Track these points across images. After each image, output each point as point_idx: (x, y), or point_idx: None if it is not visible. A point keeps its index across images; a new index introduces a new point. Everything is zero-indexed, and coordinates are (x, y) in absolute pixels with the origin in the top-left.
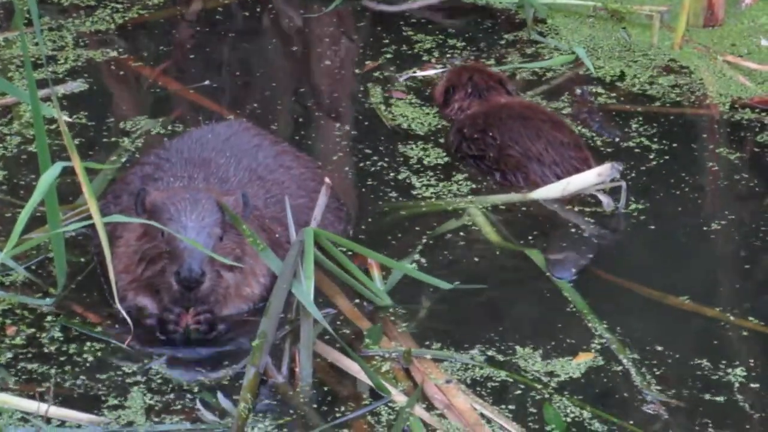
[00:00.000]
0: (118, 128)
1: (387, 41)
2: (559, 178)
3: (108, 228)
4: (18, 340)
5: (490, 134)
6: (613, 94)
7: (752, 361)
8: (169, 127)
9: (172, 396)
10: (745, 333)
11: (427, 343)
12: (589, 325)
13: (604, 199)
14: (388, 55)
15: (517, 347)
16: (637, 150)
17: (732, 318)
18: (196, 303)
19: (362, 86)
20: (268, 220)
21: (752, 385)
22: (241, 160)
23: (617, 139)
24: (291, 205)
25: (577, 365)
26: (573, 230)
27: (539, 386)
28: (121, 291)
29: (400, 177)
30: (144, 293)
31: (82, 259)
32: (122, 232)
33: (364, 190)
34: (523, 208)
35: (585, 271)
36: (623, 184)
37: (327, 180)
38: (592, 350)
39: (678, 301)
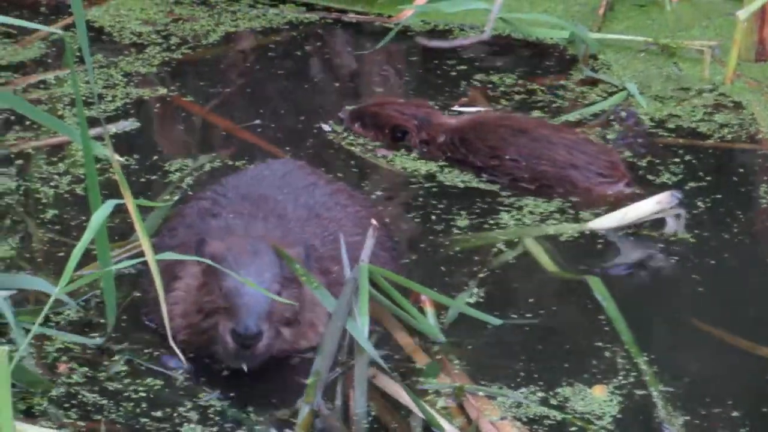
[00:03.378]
0: (169, 166)
1: (441, 78)
2: (599, 174)
3: (164, 263)
4: (70, 377)
5: (508, 158)
6: (663, 129)
7: None
8: (220, 165)
9: None
10: None
11: (483, 377)
12: (646, 360)
13: (669, 221)
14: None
15: (573, 383)
16: (688, 186)
17: None
18: (252, 359)
19: None
20: (326, 261)
21: None
22: (298, 197)
23: (660, 167)
24: (347, 243)
25: (604, 401)
26: (630, 259)
27: (595, 427)
28: (174, 332)
29: (453, 211)
30: (197, 341)
31: (136, 294)
32: (181, 272)
33: (418, 225)
34: (581, 238)
35: (643, 304)
36: (681, 212)
37: (374, 221)
38: (606, 385)
39: (735, 339)
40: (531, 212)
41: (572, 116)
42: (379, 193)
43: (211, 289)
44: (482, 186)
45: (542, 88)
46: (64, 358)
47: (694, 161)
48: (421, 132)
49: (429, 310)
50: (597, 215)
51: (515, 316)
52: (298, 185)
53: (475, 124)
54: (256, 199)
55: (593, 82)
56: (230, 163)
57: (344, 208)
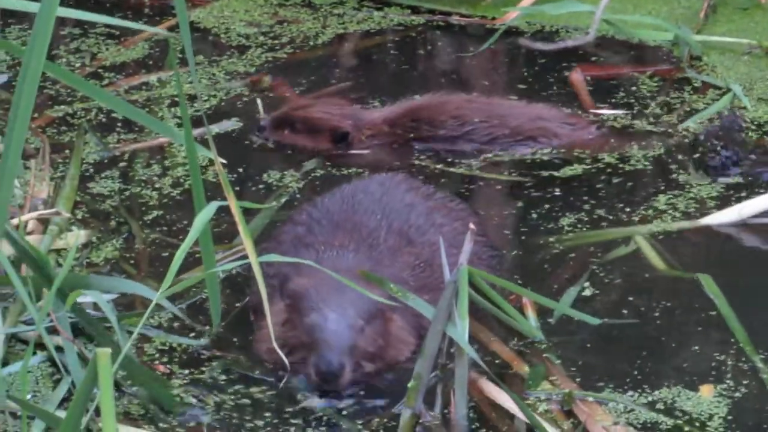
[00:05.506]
0: (270, 169)
1: (545, 80)
2: (568, 123)
3: (254, 302)
4: (171, 381)
5: (478, 120)
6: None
7: None
8: (321, 171)
9: None
10: None
11: (588, 379)
12: (763, 359)
13: None
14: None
15: (681, 384)
16: None
17: None
18: (336, 393)
19: None
20: (415, 292)
21: None
22: (392, 224)
23: (740, 177)
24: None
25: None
26: (744, 256)
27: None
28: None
29: (558, 209)
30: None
31: (238, 303)
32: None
33: (523, 224)
34: (694, 235)
35: (758, 302)
36: None
37: (471, 225)
38: (714, 385)
39: None
40: (641, 209)
41: (691, 123)
42: (478, 198)
43: (294, 324)
44: (587, 186)
45: (647, 89)
46: (165, 359)
47: None
48: (361, 129)
49: (530, 313)
50: (708, 213)
51: (622, 314)
52: (394, 207)
53: (416, 107)
54: (349, 228)
55: (697, 84)
56: (330, 168)
57: (440, 228)
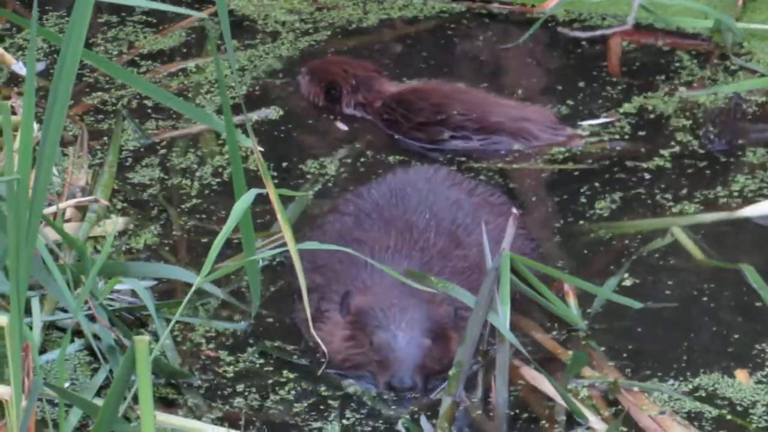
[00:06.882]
0: (307, 157)
1: (589, 73)
2: (550, 128)
3: (315, 299)
4: (210, 368)
5: (455, 112)
6: None
7: None
8: (362, 158)
9: (369, 422)
10: None
11: (628, 367)
12: None
13: None
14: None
15: (720, 371)
16: None
17: None
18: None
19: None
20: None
21: None
22: (440, 224)
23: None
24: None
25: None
26: None
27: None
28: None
29: (595, 198)
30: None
31: (272, 287)
32: (326, 308)
33: (561, 213)
34: (731, 226)
35: None
36: None
37: (514, 210)
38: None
39: None
40: (676, 200)
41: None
42: (519, 186)
43: (361, 342)
44: (622, 175)
45: (686, 77)
46: (211, 346)
47: None
48: (357, 94)
49: (571, 300)
50: (746, 205)
51: (660, 304)
52: (441, 205)
53: (414, 89)
54: (400, 227)
55: (734, 67)
56: (369, 153)
57: (485, 226)
